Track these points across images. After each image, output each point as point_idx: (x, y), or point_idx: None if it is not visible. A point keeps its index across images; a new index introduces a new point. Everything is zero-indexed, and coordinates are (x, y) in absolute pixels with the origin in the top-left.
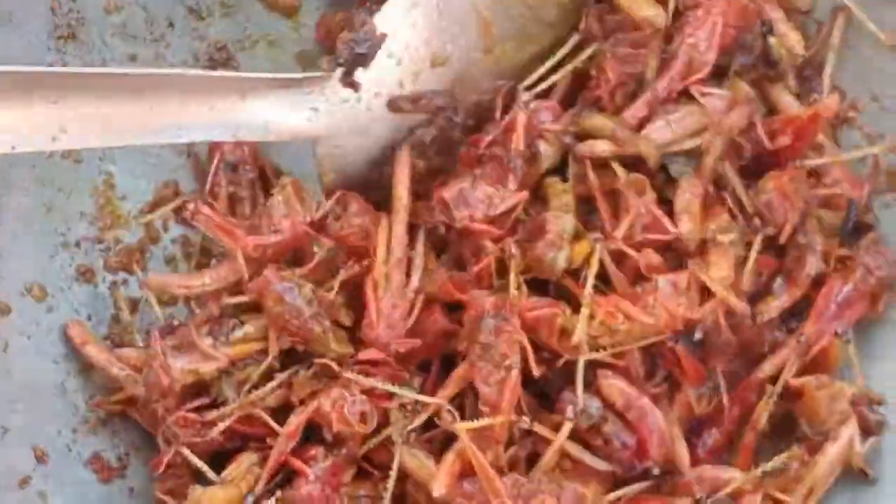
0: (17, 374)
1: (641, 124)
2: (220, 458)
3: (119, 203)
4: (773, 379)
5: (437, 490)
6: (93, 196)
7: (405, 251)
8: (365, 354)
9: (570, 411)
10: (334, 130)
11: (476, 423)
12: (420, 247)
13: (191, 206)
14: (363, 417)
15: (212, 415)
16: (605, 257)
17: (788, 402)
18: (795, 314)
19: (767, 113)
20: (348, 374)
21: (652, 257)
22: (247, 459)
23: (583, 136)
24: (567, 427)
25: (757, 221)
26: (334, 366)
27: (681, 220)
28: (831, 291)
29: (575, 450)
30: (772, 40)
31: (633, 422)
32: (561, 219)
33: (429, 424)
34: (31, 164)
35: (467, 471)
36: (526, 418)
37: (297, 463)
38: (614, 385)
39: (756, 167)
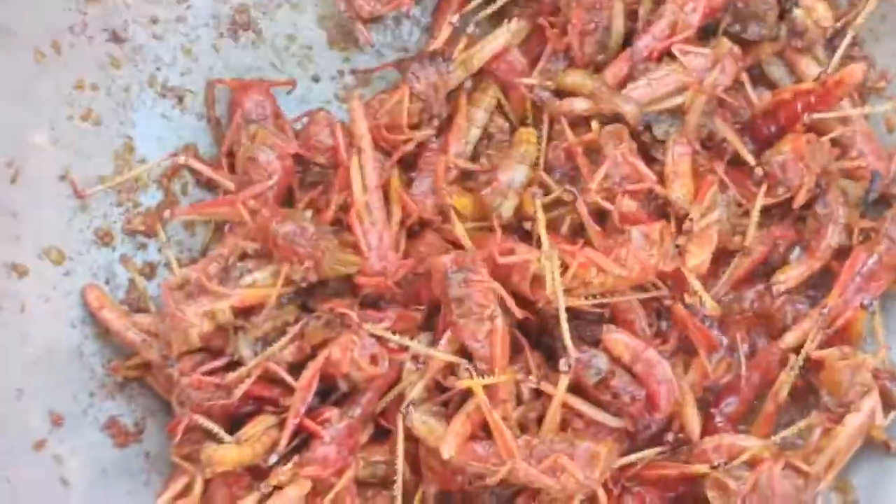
0: (33, 337)
1: (622, 83)
2: (238, 425)
3: (138, 167)
4: (796, 350)
5: (447, 452)
6: (112, 159)
7: (379, 182)
8: (363, 280)
9: (562, 364)
10: None
11: (485, 381)
12: (395, 181)
13: (167, 213)
14: (374, 360)
15: (229, 377)
16: (581, 209)
17: (810, 373)
18: (819, 286)
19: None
20: (354, 316)
21: (627, 204)
22: (264, 422)
23: (561, 93)
24: (564, 380)
25: (758, 171)
26: (348, 312)
27: (672, 184)
28: (856, 263)
29: (584, 406)
30: (797, 12)
31: (640, 375)
32: (512, 169)
33: (442, 388)
34: (50, 126)
35: (476, 433)
36: (532, 377)
37: (311, 425)
38: (619, 339)
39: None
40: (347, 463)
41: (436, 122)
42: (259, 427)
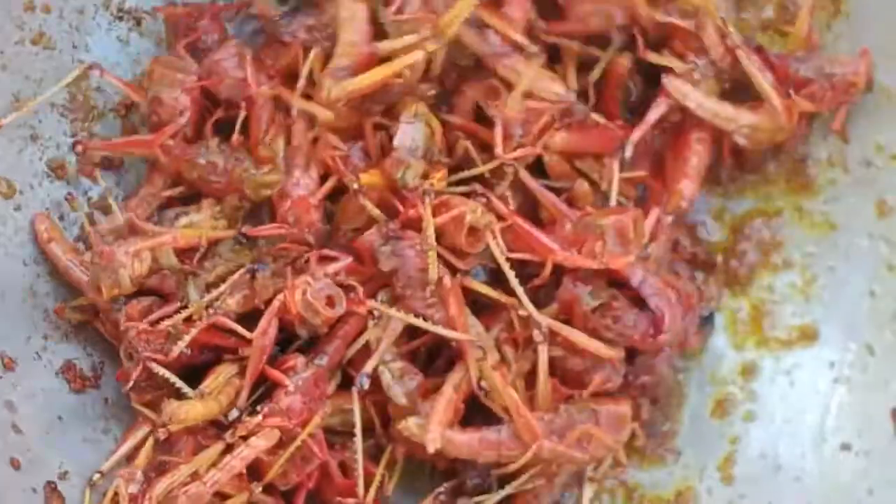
0: None
1: None
2: (197, 374)
3: (93, 94)
4: None
5: (433, 445)
6: (65, 86)
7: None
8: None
9: (537, 335)
10: None
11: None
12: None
13: (78, 147)
14: (330, 301)
15: (168, 322)
16: (530, 182)
17: None
18: None
19: None
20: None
21: (580, 185)
22: (225, 371)
23: None
24: (543, 350)
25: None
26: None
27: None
28: None
29: (578, 336)
30: None
31: (646, 294)
32: (404, 131)
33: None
34: None
35: (459, 412)
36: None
37: (274, 373)
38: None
39: None
40: (313, 413)
41: None
42: (221, 378)
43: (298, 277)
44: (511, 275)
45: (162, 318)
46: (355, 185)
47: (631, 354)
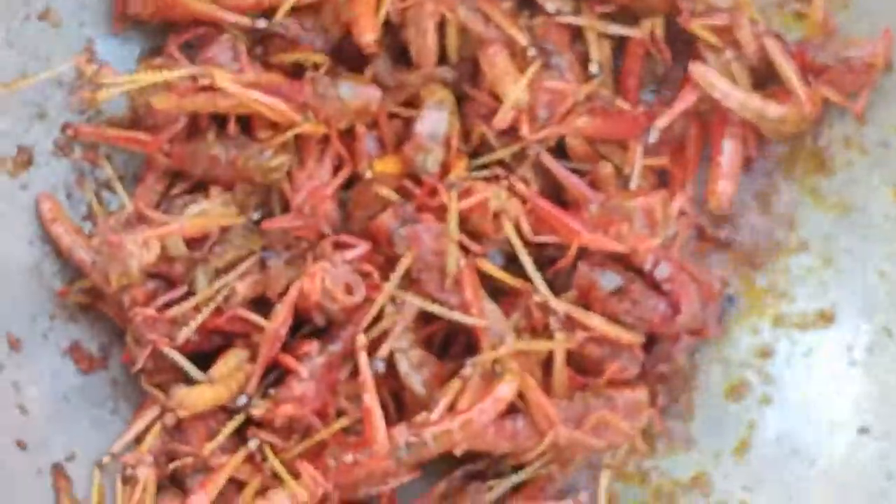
0: None
1: None
2: (207, 360)
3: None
4: None
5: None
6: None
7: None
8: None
9: (553, 322)
10: None
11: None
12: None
13: (69, 130)
14: (348, 289)
15: (176, 309)
16: (553, 166)
17: None
18: None
19: None
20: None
21: (603, 165)
22: (234, 356)
23: None
24: (560, 338)
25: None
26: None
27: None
28: None
29: (597, 320)
30: None
31: (663, 279)
32: (428, 117)
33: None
34: (6, 27)
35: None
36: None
37: (287, 360)
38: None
39: None
40: (326, 401)
41: None
42: (231, 363)
43: (316, 264)
44: (527, 259)
45: (169, 305)
46: (369, 174)
47: (648, 342)
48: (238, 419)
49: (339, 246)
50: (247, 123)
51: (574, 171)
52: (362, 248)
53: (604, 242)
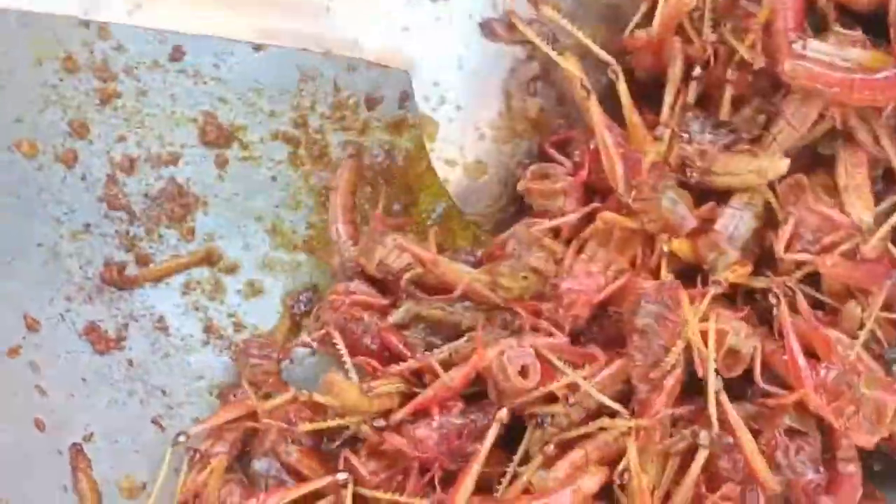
0: (4, 236)
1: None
2: None
3: (112, 54)
4: None
5: None
6: (85, 47)
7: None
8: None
9: (703, 437)
10: (427, 54)
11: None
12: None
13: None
14: (524, 371)
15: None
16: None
17: None
18: None
19: None
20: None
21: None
22: (395, 384)
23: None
24: (702, 453)
25: None
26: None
27: (848, 201)
28: None
29: (752, 450)
30: None
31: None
32: (731, 216)
33: None
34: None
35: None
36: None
37: (431, 402)
38: None
39: None
40: (438, 459)
41: None
42: (389, 388)
43: (505, 340)
44: (715, 388)
45: (363, 305)
46: (665, 247)
47: None
48: (338, 422)
49: (537, 330)
50: None
51: (820, 302)
52: (558, 339)
53: (824, 411)
